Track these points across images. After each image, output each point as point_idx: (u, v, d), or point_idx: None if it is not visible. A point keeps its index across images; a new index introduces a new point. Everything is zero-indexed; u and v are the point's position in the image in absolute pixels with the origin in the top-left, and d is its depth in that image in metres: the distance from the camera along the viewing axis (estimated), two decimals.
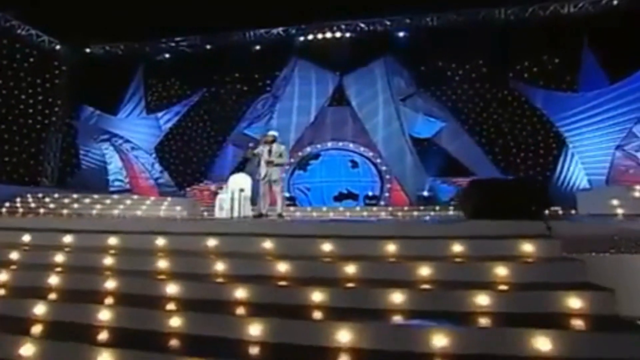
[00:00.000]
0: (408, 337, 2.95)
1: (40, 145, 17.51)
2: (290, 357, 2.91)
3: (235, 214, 8.27)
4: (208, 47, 18.14)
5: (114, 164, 18.26)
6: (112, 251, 4.79)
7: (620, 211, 6.94)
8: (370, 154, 17.18)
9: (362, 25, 16.99)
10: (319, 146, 17.72)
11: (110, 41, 18.06)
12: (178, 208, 12.13)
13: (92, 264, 4.58)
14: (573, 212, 9.56)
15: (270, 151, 7.63)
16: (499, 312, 3.20)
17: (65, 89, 18.09)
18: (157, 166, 18.69)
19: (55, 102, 17.85)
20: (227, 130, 18.89)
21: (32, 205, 12.06)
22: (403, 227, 5.34)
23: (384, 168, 16.91)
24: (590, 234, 4.49)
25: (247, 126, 18.31)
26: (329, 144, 17.69)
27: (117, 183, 18.11)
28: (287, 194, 15.50)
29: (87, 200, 12.46)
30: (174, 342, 3.15)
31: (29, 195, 12.72)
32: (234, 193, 8.48)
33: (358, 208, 15.68)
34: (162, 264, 4.36)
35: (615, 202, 7.25)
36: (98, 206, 11.98)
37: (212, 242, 4.67)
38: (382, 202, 16.42)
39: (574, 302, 3.13)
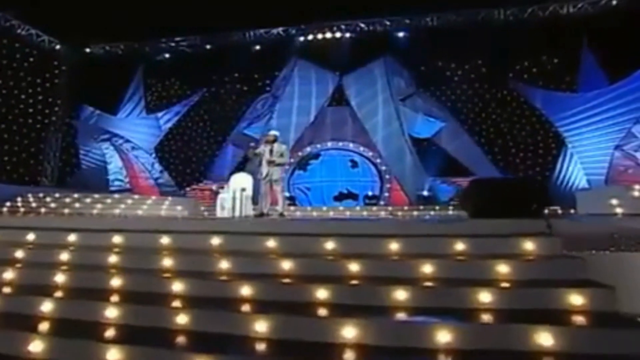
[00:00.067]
0: (412, 333, 3.00)
1: (40, 145, 17.52)
2: (296, 353, 2.94)
3: (237, 213, 8.29)
4: (208, 47, 18.16)
5: (114, 163, 18.27)
6: (117, 249, 4.82)
7: (619, 210, 6.99)
8: (370, 153, 17.23)
9: (362, 25, 17.04)
10: (318, 146, 17.77)
11: (110, 41, 18.08)
12: (179, 208, 12.16)
13: (97, 262, 4.61)
14: (572, 211, 9.62)
15: (271, 151, 7.64)
16: (501, 308, 3.24)
17: (65, 89, 18.11)
18: (157, 166, 18.72)
19: (55, 102, 17.87)
20: (227, 130, 18.94)
21: (33, 204, 12.07)
22: (405, 225, 5.39)
23: (383, 168, 16.96)
24: (590, 232, 4.55)
25: (247, 126, 18.37)
26: (329, 144, 17.74)
27: (117, 183, 18.13)
28: (287, 194, 15.53)
29: (87, 200, 12.47)
30: (180, 339, 3.20)
31: (29, 195, 12.73)
32: (235, 192, 8.50)
33: (358, 208, 15.75)
34: (167, 262, 4.39)
35: (614, 201, 7.29)
36: (99, 206, 11.99)
37: (215, 241, 4.70)
38: (381, 202, 16.48)
39: (575, 298, 3.18)
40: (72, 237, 5.24)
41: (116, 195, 14.00)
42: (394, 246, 4.21)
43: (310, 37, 17.53)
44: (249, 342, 3.10)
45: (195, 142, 19.49)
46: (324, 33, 17.39)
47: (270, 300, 3.59)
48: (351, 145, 17.50)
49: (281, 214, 7.64)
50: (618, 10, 14.32)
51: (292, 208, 14.58)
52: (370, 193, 17.02)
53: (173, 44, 18.36)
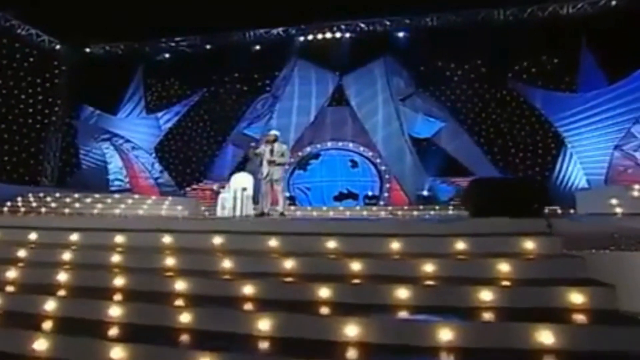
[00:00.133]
0: (414, 332, 3.02)
1: (40, 145, 17.52)
2: (298, 351, 2.95)
3: (238, 213, 8.31)
4: (208, 47, 18.18)
5: (114, 163, 18.29)
6: (119, 249, 4.84)
7: (619, 210, 7.02)
8: (370, 153, 17.26)
9: (362, 25, 17.06)
10: (318, 146, 17.79)
11: (110, 41, 18.09)
12: (179, 207, 12.17)
13: (99, 261, 4.62)
14: (572, 211, 9.65)
15: (272, 150, 7.66)
16: (502, 307, 3.26)
17: (65, 89, 18.11)
18: (157, 166, 18.73)
19: (55, 102, 17.87)
20: (227, 130, 18.96)
21: (34, 204, 12.08)
22: (406, 225, 5.40)
23: (383, 168, 16.99)
24: (589, 231, 4.58)
25: (247, 126, 18.40)
26: (329, 144, 17.77)
27: (117, 183, 18.14)
28: (287, 194, 15.55)
29: (88, 200, 12.49)
30: (184, 337, 3.21)
31: (30, 195, 12.74)
32: (236, 192, 8.52)
33: (358, 208, 15.77)
34: (169, 261, 4.41)
35: (614, 201, 7.33)
36: (99, 205, 12.00)
37: (217, 240, 4.72)
38: (381, 202, 16.51)
39: (575, 297, 3.20)
40: (74, 237, 5.26)
41: (116, 195, 14.01)
42: (395, 245, 4.23)
43: (310, 37, 17.55)
44: (252, 340, 3.11)
45: (195, 142, 19.50)
46: (324, 33, 17.41)
47: (273, 299, 3.61)
48: (351, 145, 17.53)
49: (282, 214, 7.67)
50: (617, 11, 14.35)
51: (292, 208, 14.61)
52: (370, 193, 17.05)
53: (173, 44, 18.37)
